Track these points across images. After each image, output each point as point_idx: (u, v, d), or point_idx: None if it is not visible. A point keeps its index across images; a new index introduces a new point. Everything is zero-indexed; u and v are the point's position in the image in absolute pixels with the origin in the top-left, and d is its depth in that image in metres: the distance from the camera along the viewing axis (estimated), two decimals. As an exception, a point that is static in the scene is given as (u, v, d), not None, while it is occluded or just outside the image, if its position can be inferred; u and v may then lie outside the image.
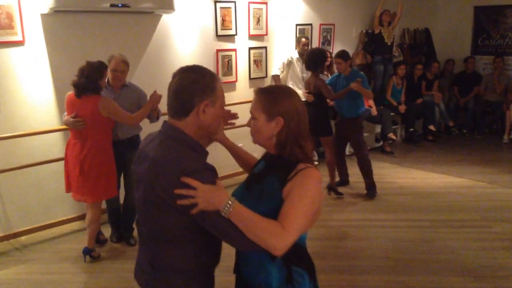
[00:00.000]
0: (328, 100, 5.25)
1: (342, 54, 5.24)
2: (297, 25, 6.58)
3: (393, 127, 7.40)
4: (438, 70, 8.29)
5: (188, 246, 1.64)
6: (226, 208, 1.50)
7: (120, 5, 4.33)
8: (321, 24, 6.91)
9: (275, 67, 6.38)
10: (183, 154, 1.58)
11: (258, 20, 6.04)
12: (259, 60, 6.16)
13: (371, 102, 6.93)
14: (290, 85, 5.59)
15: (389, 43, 7.44)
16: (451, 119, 8.16)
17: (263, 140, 1.72)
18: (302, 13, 6.65)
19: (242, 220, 1.51)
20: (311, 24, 6.76)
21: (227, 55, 5.77)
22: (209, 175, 1.57)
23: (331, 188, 5.37)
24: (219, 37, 5.66)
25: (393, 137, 7.22)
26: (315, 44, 6.87)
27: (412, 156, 7.10)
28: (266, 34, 6.19)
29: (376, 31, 7.39)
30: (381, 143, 7.36)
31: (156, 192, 1.55)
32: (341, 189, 5.44)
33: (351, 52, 7.48)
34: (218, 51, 5.67)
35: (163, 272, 1.67)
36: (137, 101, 3.99)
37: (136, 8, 4.54)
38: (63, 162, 3.93)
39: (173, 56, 5.25)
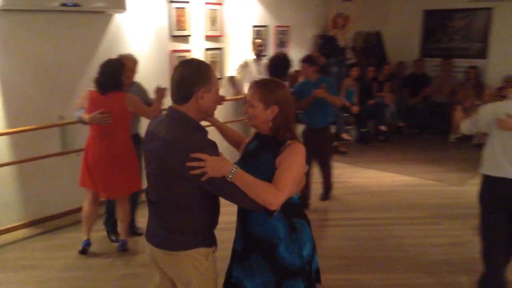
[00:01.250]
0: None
1: (307, 59, 4.94)
2: (253, 26, 6.61)
3: (347, 127, 7.57)
4: (389, 72, 8.54)
5: (195, 211, 1.99)
6: (231, 174, 1.85)
7: (70, 4, 4.21)
8: (277, 26, 6.97)
9: (231, 69, 6.38)
10: (190, 134, 1.92)
11: (214, 21, 6.03)
12: (215, 61, 6.15)
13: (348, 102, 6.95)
14: (246, 87, 5.50)
15: (342, 46, 7.60)
16: (401, 119, 8.44)
17: (259, 124, 2.08)
18: (258, 14, 6.69)
19: (244, 183, 1.88)
20: (267, 26, 6.81)
21: (182, 56, 5.72)
22: (213, 149, 1.92)
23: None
24: (174, 37, 5.61)
25: (347, 137, 7.38)
26: (271, 46, 6.92)
27: (365, 156, 7.28)
28: (222, 35, 6.18)
29: (331, 34, 7.53)
30: (336, 143, 7.51)
31: (169, 166, 1.89)
32: None
33: (306, 53, 7.60)
34: (172, 51, 5.61)
35: (175, 233, 2.00)
36: (142, 97, 4.10)
37: (87, 8, 4.46)
38: (10, 167, 3.79)
39: (127, 57, 5.16)
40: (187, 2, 5.64)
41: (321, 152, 5.05)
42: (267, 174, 1.96)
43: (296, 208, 2.14)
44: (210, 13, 5.96)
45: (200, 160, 1.82)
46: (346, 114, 7.65)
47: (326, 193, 5.37)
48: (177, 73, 1.96)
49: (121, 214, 4.04)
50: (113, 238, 4.32)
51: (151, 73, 5.34)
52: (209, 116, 2.12)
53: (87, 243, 4.04)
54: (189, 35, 5.77)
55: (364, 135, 8.00)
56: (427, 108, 8.51)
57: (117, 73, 3.75)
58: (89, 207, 4.01)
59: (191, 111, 1.96)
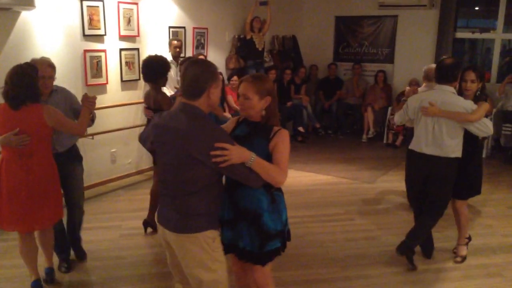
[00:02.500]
0: None
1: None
2: (170, 27, 6.51)
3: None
4: (305, 75, 8.83)
5: (208, 194, 2.29)
6: (251, 160, 2.23)
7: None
8: (194, 28, 6.93)
9: (148, 70, 6.23)
10: (211, 126, 2.24)
11: (129, 21, 5.86)
12: (131, 62, 5.98)
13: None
14: (165, 89, 5.16)
15: (260, 49, 7.73)
16: (317, 121, 8.75)
17: (253, 113, 2.45)
18: (175, 15, 6.60)
19: (261, 167, 2.27)
20: (184, 27, 6.74)
21: (96, 56, 5.49)
22: (231, 139, 2.26)
23: (148, 223, 4.53)
24: (87, 37, 5.37)
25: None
26: (189, 47, 6.87)
27: (283, 156, 7.43)
28: (138, 36, 6.03)
29: (248, 37, 7.64)
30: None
31: (189, 155, 2.18)
32: None
33: (224, 56, 7.65)
34: (86, 51, 5.37)
35: (190, 216, 2.28)
36: (70, 105, 3.56)
37: (-11, 2, 4.12)
38: None
39: (35, 56, 4.79)
40: (101, 0, 5.43)
41: None
42: (262, 156, 2.31)
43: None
44: (125, 12, 5.78)
45: (223, 149, 2.15)
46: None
47: None
48: (190, 72, 2.23)
49: (44, 241, 3.48)
50: (64, 267, 3.77)
51: (63, 75, 5.06)
52: (214, 109, 2.52)
53: (38, 284, 3.38)
54: (103, 35, 5.56)
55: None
56: (340, 110, 8.90)
57: (32, 81, 3.09)
58: (26, 245, 3.36)
59: (202, 105, 2.25)
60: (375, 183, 6.16)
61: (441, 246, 4.23)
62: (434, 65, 4.59)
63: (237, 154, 2.19)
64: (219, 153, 2.15)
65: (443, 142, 3.63)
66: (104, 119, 4.88)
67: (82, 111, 3.45)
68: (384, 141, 8.30)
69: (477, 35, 8.47)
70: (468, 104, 3.58)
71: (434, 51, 8.34)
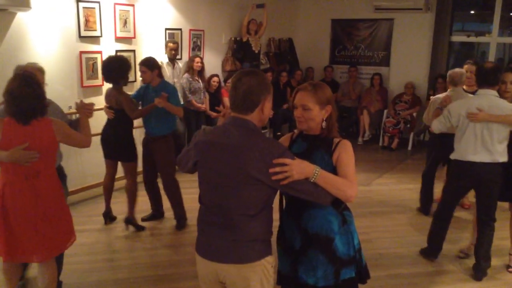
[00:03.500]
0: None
1: (146, 62, 4.50)
2: (166, 29, 6.51)
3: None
4: (301, 77, 8.84)
5: (264, 218, 2.05)
6: (316, 175, 1.96)
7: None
8: (190, 30, 6.93)
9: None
10: (267, 141, 2.02)
11: (125, 22, 5.85)
12: (127, 63, 5.96)
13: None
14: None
15: (256, 51, 7.74)
16: (313, 123, 8.74)
17: (314, 125, 2.21)
18: (171, 17, 6.60)
19: (327, 181, 1.99)
20: (180, 29, 6.74)
21: (92, 58, 5.48)
22: (291, 153, 2.00)
23: (129, 221, 4.62)
24: (83, 38, 5.36)
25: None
26: (186, 49, 6.87)
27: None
28: (134, 37, 6.02)
29: (244, 39, 7.64)
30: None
31: (245, 173, 1.94)
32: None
33: (221, 58, 7.65)
34: (81, 53, 5.36)
35: (248, 243, 2.03)
36: (60, 118, 3.25)
37: (-16, 3, 4.10)
38: None
39: (31, 57, 4.80)
40: (97, 2, 5.42)
41: (157, 162, 4.66)
42: (326, 170, 2.05)
43: (344, 202, 2.22)
44: (121, 13, 5.77)
45: (283, 165, 1.91)
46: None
47: (178, 221, 4.76)
48: (244, 84, 2.00)
49: (49, 277, 3.00)
50: None
51: (58, 76, 5.06)
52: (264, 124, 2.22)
53: None
54: (99, 36, 5.55)
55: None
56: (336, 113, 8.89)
57: (41, 92, 2.82)
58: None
59: (255, 120, 2.04)
60: (370, 185, 6.17)
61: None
62: (459, 69, 4.73)
63: (299, 168, 1.93)
64: (278, 170, 1.91)
65: (493, 148, 3.58)
66: (100, 121, 4.85)
67: (81, 120, 3.19)
68: (380, 144, 8.31)
69: (472, 39, 8.51)
70: None
71: (430, 54, 8.37)
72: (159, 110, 4.43)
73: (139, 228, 4.65)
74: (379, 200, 5.64)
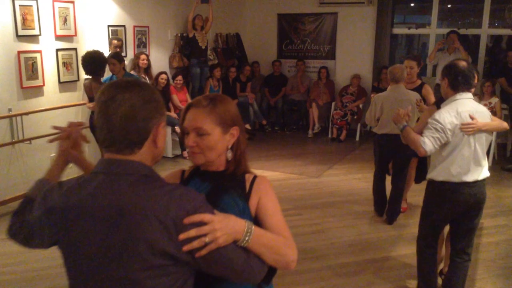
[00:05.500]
0: None
1: (116, 55, 5.38)
2: (109, 26, 6.33)
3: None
4: (250, 72, 8.86)
5: None
6: (249, 234, 1.32)
7: None
8: (135, 26, 6.77)
9: (88, 70, 6.04)
10: (172, 193, 1.26)
11: (65, 20, 5.64)
12: (69, 62, 5.75)
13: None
14: None
15: (203, 47, 7.68)
16: (264, 117, 8.81)
17: (215, 157, 1.52)
18: (114, 14, 6.42)
19: (263, 241, 1.35)
20: (124, 26, 6.58)
21: (31, 57, 5.25)
22: (209, 206, 1.31)
23: None
24: (20, 37, 5.12)
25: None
26: (130, 46, 6.71)
27: (231, 154, 7.43)
28: (75, 35, 5.81)
29: (190, 35, 7.56)
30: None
31: (143, 251, 1.21)
32: None
33: (168, 54, 7.54)
34: (19, 52, 5.11)
35: None
36: None
37: None
38: None
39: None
40: (34, -1, 5.20)
41: None
42: None
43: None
44: (60, 11, 5.56)
45: (200, 224, 1.24)
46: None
47: None
48: (122, 104, 1.26)
49: None
50: None
51: (-6, 77, 4.82)
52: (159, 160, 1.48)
53: None
54: (38, 35, 5.32)
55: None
56: (286, 106, 9.01)
57: None
58: None
59: (146, 159, 1.33)
60: (321, 177, 6.28)
61: (395, 234, 4.38)
62: (399, 65, 4.53)
63: (225, 227, 1.27)
64: (194, 234, 1.23)
65: (484, 161, 3.01)
66: (41, 123, 4.70)
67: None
68: (329, 136, 8.48)
69: (413, 31, 8.84)
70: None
71: (373, 46, 8.61)
72: None
73: None
74: (330, 191, 5.76)
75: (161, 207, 1.23)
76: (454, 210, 3.02)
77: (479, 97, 6.70)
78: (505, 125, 3.17)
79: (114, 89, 1.29)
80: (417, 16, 9.72)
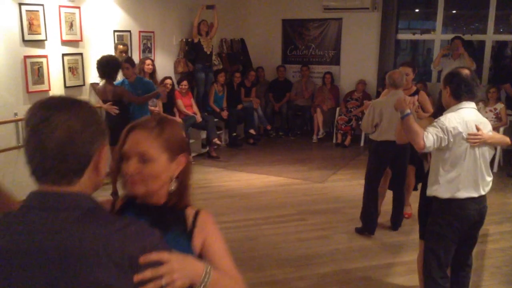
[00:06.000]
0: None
1: (129, 60, 5.61)
2: (114, 31, 6.37)
3: (218, 132, 7.69)
4: (255, 77, 8.88)
5: None
6: (207, 277, 1.21)
7: None
8: (140, 31, 6.81)
9: (93, 75, 6.07)
10: (122, 228, 1.11)
11: (71, 25, 5.68)
12: (75, 67, 5.79)
13: (195, 109, 7.15)
14: None
15: (208, 52, 7.70)
16: (268, 122, 8.81)
17: (157, 188, 1.35)
18: (119, 19, 6.46)
19: (221, 284, 1.27)
20: (129, 31, 6.61)
21: (37, 62, 5.28)
22: (165, 244, 1.18)
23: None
24: (27, 42, 5.15)
25: (218, 142, 7.48)
26: (136, 51, 6.75)
27: (236, 159, 7.45)
28: (81, 40, 5.85)
29: (196, 40, 7.59)
30: (207, 148, 7.57)
31: None
32: None
33: (173, 60, 7.57)
34: (26, 57, 5.15)
35: None
36: None
37: None
38: None
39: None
40: (41, 4, 5.23)
41: None
42: None
43: None
44: (66, 16, 5.60)
45: (157, 263, 1.11)
46: (216, 120, 7.79)
47: None
48: (57, 128, 1.08)
49: None
50: None
51: (2, 83, 4.85)
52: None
53: None
54: (44, 40, 5.36)
55: (235, 139, 8.20)
56: (290, 111, 9.01)
57: None
58: None
59: (87, 188, 1.17)
60: (325, 182, 6.27)
61: (393, 241, 4.36)
62: (399, 70, 4.38)
63: (184, 269, 1.17)
64: (150, 275, 1.10)
65: (486, 176, 2.86)
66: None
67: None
68: (334, 141, 8.47)
69: (417, 36, 8.84)
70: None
71: (378, 52, 8.61)
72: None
73: None
74: (334, 197, 5.75)
75: (115, 247, 1.06)
76: (461, 229, 2.85)
77: (484, 103, 6.69)
78: (507, 140, 3.06)
79: (47, 109, 1.09)
80: (422, 22, 9.71)
